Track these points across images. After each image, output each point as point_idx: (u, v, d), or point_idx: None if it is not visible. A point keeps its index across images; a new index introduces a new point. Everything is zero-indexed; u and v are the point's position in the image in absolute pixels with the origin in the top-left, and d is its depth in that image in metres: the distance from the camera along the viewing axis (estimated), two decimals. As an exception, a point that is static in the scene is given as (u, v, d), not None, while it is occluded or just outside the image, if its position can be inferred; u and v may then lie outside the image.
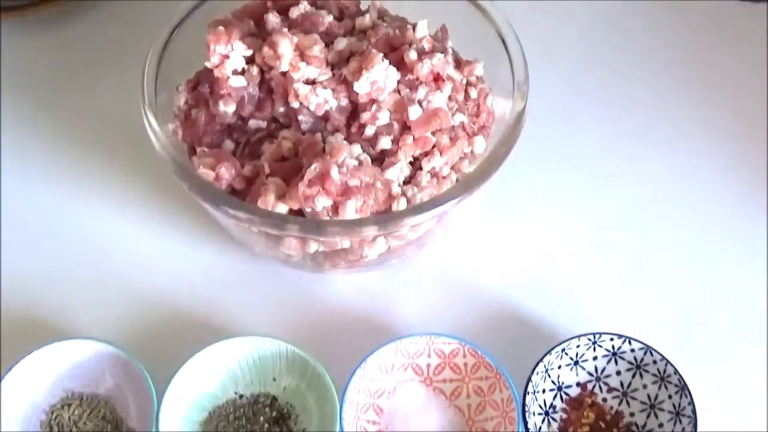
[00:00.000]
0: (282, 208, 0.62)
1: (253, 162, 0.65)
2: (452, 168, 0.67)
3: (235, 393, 0.66)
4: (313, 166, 0.61)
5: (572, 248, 0.74)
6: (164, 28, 0.71)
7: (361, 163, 0.63)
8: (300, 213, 0.63)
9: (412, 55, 0.65)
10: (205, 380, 0.65)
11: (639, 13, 0.88)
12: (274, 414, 0.65)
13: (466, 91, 0.68)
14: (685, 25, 0.88)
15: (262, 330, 0.67)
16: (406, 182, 0.65)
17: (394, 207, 0.63)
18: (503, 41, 0.69)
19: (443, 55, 0.66)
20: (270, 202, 0.62)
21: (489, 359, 0.65)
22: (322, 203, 0.61)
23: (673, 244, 0.75)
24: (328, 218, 0.61)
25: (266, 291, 0.72)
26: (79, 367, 0.66)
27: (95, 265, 0.73)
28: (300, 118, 0.66)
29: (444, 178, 0.66)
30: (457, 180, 0.67)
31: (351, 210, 0.61)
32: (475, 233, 0.74)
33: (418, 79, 0.65)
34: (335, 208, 0.62)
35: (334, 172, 0.61)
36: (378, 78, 0.64)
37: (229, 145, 0.67)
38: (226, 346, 0.65)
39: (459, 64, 0.68)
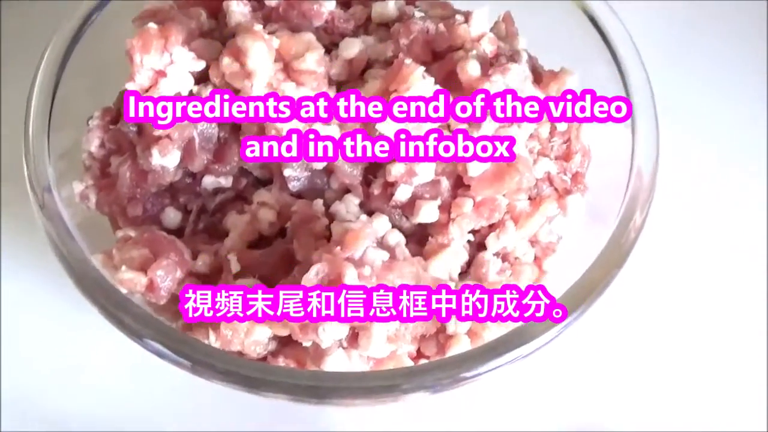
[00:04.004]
0: (262, 334, 0.37)
1: (214, 247, 0.40)
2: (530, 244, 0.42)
3: None
4: (313, 270, 0.36)
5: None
6: (69, 21, 0.45)
7: (393, 254, 0.38)
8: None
9: (472, 68, 0.39)
10: None
11: None
12: None
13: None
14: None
15: None
16: (463, 272, 0.41)
17: (450, 328, 0.38)
18: (602, 35, 0.44)
19: (518, 64, 0.41)
20: (241, 326, 0.37)
21: None
22: (332, 334, 0.36)
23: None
24: (339, 361, 0.36)
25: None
26: None
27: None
28: (287, 173, 0.40)
29: (521, 263, 0.41)
30: (535, 258, 0.42)
31: (379, 340, 0.36)
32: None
33: (482, 107, 0.40)
34: (354, 337, 0.37)
35: (351, 277, 0.36)
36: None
37: (172, 216, 0.42)
38: None
39: (538, 77, 0.43)
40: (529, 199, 0.41)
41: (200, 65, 0.40)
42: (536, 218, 0.41)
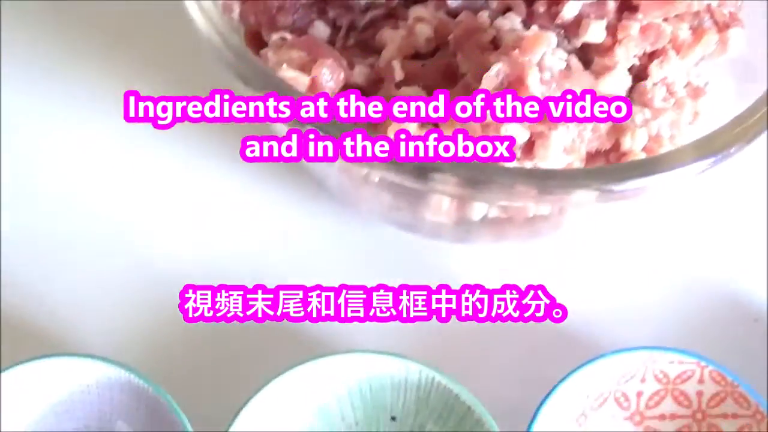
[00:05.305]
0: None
1: (369, 60, 0.38)
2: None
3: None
4: (494, 69, 0.34)
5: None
6: None
7: (568, 65, 0.36)
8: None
9: None
10: (284, 424, 0.40)
11: None
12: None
13: (709, -45, 0.41)
14: None
15: (374, 342, 0.41)
16: (625, 99, 0.39)
17: (626, 144, 0.37)
18: None
19: None
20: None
21: (744, 389, 0.40)
22: (512, 136, 0.34)
23: None
24: (515, 163, 0.35)
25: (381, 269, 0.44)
26: (75, 403, 0.40)
27: (105, 239, 0.46)
28: (448, -14, 0.39)
29: (681, 96, 0.40)
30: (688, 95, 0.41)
31: (557, 149, 0.35)
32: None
33: None
34: (530, 146, 0.35)
35: (533, 79, 0.34)
36: None
37: (321, 29, 0.40)
38: (317, 371, 0.39)
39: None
40: (692, 31, 0.40)
41: None
42: (698, 49, 0.40)
